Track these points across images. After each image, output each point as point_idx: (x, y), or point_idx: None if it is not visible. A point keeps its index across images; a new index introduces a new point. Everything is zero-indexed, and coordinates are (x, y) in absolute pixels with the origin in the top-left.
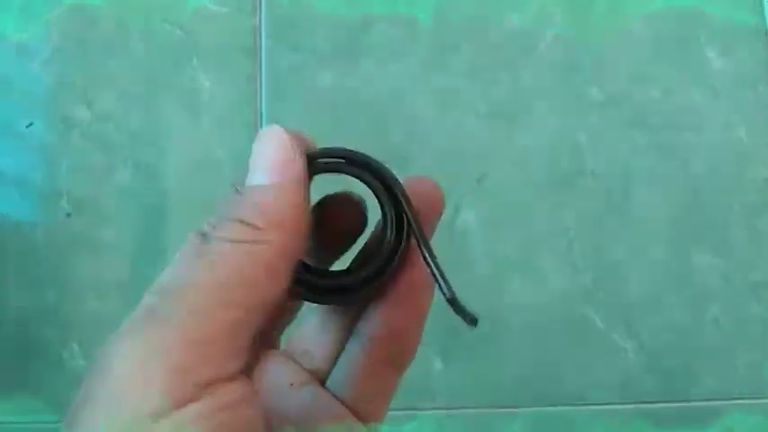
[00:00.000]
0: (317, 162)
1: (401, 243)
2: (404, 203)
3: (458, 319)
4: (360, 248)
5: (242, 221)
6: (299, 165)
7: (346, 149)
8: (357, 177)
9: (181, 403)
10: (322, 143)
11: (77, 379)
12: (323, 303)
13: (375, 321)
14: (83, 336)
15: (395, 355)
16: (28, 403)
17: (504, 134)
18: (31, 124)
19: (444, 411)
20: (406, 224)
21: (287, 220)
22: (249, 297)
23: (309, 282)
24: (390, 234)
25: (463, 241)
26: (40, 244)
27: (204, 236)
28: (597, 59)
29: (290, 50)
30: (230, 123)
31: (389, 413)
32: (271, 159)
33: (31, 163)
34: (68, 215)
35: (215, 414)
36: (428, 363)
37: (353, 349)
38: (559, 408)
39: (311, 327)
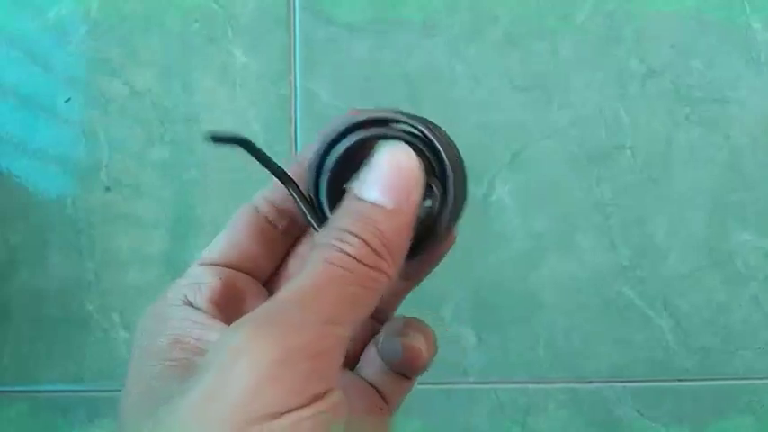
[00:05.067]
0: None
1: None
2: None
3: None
4: None
5: (362, 240)
6: (418, 193)
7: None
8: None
9: (293, 409)
10: None
11: (118, 348)
12: None
13: (394, 344)
14: (123, 306)
15: (413, 370)
16: (70, 372)
17: (540, 107)
18: (69, 99)
19: (476, 386)
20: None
21: (401, 254)
22: (359, 316)
23: None
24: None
25: (498, 217)
26: (80, 217)
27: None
28: (638, 30)
29: (324, 23)
30: (265, 96)
31: (421, 387)
32: (397, 181)
33: (69, 138)
34: (107, 189)
35: (317, 419)
36: (462, 338)
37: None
38: (594, 384)
39: None
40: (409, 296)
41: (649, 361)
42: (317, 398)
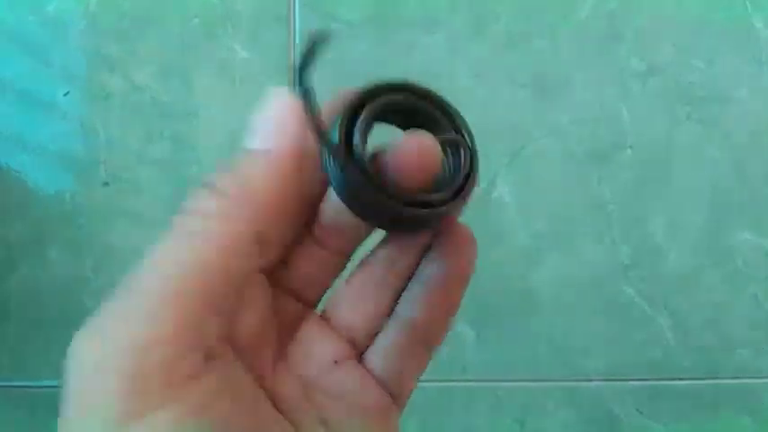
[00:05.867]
0: (373, 105)
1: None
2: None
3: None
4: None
5: (216, 190)
6: (293, 130)
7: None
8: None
9: (140, 414)
10: None
11: None
12: (397, 230)
13: (416, 304)
14: None
15: (432, 337)
16: None
17: (541, 106)
18: (68, 93)
19: (475, 383)
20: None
21: (264, 192)
22: (208, 284)
23: (385, 204)
24: (465, 160)
25: (499, 214)
26: (78, 213)
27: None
28: (639, 28)
29: (323, 20)
30: (265, 93)
31: (420, 385)
32: (267, 124)
33: (68, 133)
34: (106, 184)
35: (184, 419)
36: (461, 335)
37: (393, 328)
38: (594, 383)
39: (353, 295)
40: None
41: (649, 360)
42: (180, 386)
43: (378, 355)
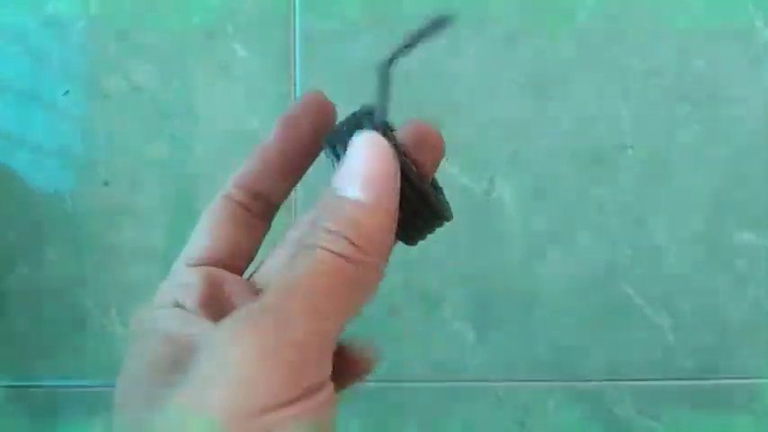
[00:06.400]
0: None
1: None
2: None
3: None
4: None
5: (347, 239)
6: (396, 184)
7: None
8: None
9: (291, 400)
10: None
11: (116, 344)
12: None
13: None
14: (121, 302)
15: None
16: (68, 367)
17: (541, 105)
18: (67, 92)
19: (475, 383)
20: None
21: (387, 247)
22: (348, 314)
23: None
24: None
25: (498, 214)
26: (78, 212)
27: (299, 240)
28: (639, 28)
29: (324, 19)
30: (265, 93)
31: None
32: (372, 173)
33: (68, 133)
34: (106, 184)
35: (310, 416)
36: (461, 335)
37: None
38: (593, 383)
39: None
40: (409, 293)
41: (649, 360)
42: (310, 391)
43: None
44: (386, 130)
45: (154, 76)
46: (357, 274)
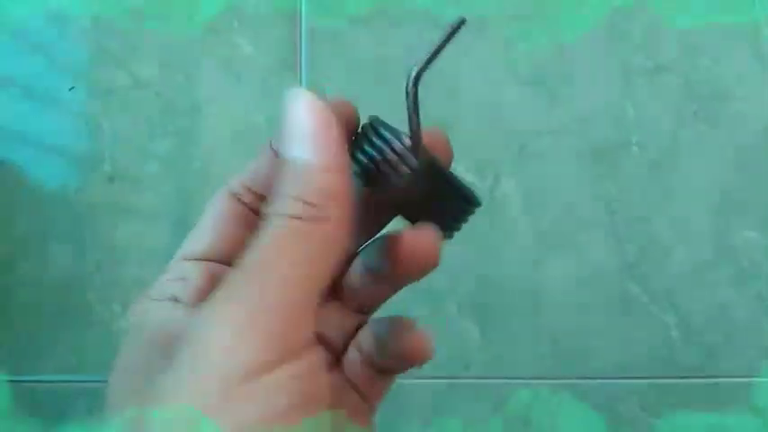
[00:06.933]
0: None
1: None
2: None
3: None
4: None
5: (298, 199)
6: (338, 133)
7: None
8: None
9: (272, 366)
10: (363, 109)
11: (119, 340)
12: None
13: (385, 340)
14: (124, 298)
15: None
16: (71, 363)
17: (546, 102)
18: (72, 88)
19: (479, 381)
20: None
21: (341, 196)
22: (320, 271)
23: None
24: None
25: (503, 211)
26: (82, 208)
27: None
28: (645, 25)
29: (330, 15)
30: (270, 89)
31: (424, 382)
32: (308, 129)
33: (72, 129)
34: (110, 180)
35: (299, 378)
36: (465, 332)
37: (356, 354)
38: (598, 381)
39: (330, 309)
40: (413, 291)
41: (654, 358)
42: (293, 353)
43: (349, 360)
44: (418, 144)
45: (158, 73)
46: (317, 232)
